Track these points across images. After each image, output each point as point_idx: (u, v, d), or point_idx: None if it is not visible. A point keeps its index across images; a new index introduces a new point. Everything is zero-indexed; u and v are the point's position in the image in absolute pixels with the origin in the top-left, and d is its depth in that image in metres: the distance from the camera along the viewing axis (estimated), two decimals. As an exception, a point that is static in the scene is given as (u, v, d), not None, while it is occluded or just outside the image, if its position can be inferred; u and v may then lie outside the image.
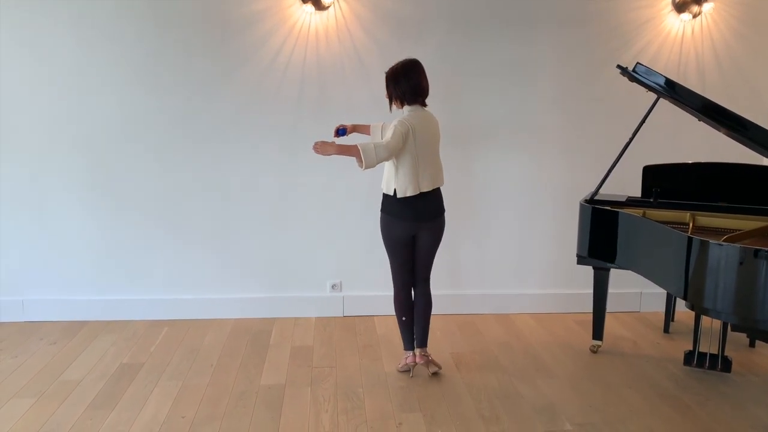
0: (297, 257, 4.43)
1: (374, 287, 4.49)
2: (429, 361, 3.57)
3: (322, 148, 3.21)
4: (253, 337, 4.13)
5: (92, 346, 3.94)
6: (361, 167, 3.20)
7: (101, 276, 4.34)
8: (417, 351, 3.57)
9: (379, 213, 3.46)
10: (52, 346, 3.95)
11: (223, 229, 4.36)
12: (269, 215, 4.37)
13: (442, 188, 3.46)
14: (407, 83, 3.28)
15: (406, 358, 3.59)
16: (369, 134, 3.66)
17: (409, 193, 3.29)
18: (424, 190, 3.32)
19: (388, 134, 3.25)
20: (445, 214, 3.49)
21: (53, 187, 4.22)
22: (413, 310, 3.57)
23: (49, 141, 4.17)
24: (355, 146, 3.16)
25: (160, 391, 3.37)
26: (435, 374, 3.58)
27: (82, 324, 4.29)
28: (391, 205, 3.38)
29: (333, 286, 4.48)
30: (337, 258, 4.46)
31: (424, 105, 3.38)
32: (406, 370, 3.60)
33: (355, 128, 3.67)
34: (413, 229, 3.41)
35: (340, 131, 3.59)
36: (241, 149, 4.27)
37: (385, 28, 4.20)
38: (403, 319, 3.56)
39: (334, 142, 3.24)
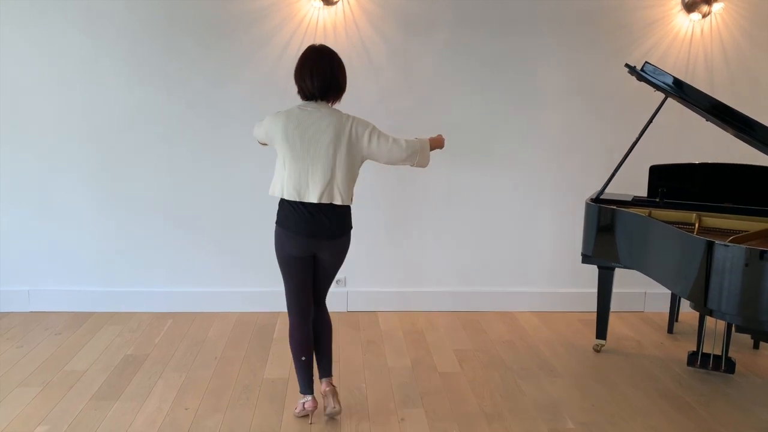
0: (302, 252, 4.44)
1: (378, 283, 4.51)
2: (334, 392, 3.03)
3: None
4: (258, 330, 4.14)
5: (97, 337, 3.96)
6: None
7: (107, 267, 4.37)
8: (323, 381, 3.04)
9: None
10: (57, 336, 3.97)
11: (228, 222, 4.37)
12: (275, 209, 4.37)
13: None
14: (299, 74, 2.83)
15: (304, 402, 3.00)
16: None
17: (277, 194, 2.83)
18: (289, 197, 2.79)
19: None
20: (351, 231, 2.96)
21: (60, 179, 4.24)
22: (313, 346, 3.02)
23: (56, 133, 4.18)
24: None
25: (164, 383, 3.39)
26: (332, 417, 3.04)
27: (88, 315, 4.32)
28: (280, 211, 2.89)
29: (337, 281, 4.44)
30: (341, 253, 4.46)
31: (327, 101, 2.84)
32: (305, 416, 3.04)
33: None
34: (309, 246, 2.86)
35: None
36: (247, 143, 4.27)
37: (393, 23, 4.20)
38: (303, 359, 2.96)
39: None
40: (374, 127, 2.88)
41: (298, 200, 2.79)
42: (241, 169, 4.31)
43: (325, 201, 2.79)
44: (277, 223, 2.90)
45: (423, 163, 2.96)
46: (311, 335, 3.02)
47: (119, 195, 4.29)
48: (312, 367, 3.02)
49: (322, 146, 2.77)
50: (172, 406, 3.15)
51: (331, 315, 4.43)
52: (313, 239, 2.84)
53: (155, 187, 4.29)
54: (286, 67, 4.20)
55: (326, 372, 3.07)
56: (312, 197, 2.78)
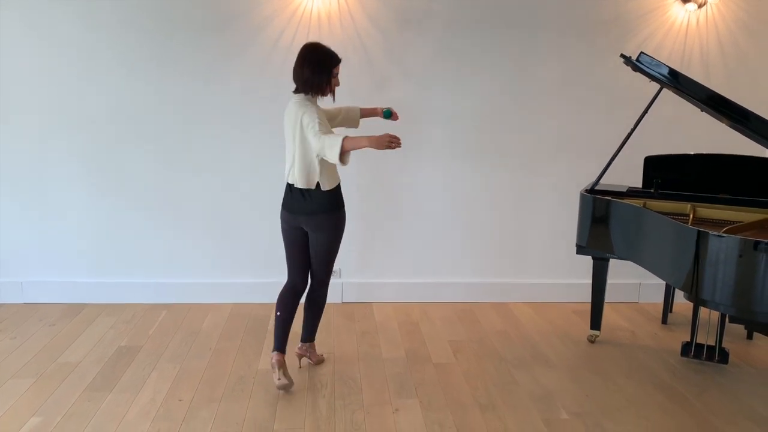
0: (296, 243, 4.42)
1: (373, 274, 4.50)
2: (300, 356, 3.47)
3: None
4: (252, 321, 4.14)
5: (91, 329, 3.95)
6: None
7: (101, 259, 4.35)
8: (299, 344, 3.47)
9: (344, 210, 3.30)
10: (51, 327, 3.95)
11: (223, 213, 4.36)
12: (270, 200, 4.35)
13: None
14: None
15: (272, 357, 3.21)
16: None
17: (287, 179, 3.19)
18: (288, 180, 3.17)
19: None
20: (338, 211, 3.21)
21: (54, 169, 4.22)
22: (291, 310, 3.29)
23: (51, 123, 4.15)
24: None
25: (158, 374, 3.38)
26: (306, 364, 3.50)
27: (81, 306, 4.30)
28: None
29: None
30: (336, 244, 4.45)
31: (302, 93, 3.12)
32: (275, 379, 3.19)
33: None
34: (294, 220, 3.21)
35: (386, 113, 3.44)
36: (242, 134, 4.26)
37: (388, 13, 4.18)
38: (278, 314, 3.26)
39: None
40: (315, 119, 3.00)
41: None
42: (235, 160, 4.29)
43: (289, 181, 3.17)
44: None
45: (330, 158, 2.95)
46: (292, 300, 3.31)
47: (113, 186, 4.27)
48: (286, 329, 3.26)
49: (288, 133, 3.15)
50: (166, 398, 3.15)
51: (325, 306, 4.44)
52: (293, 214, 3.20)
53: (149, 177, 4.27)
54: (280, 56, 4.17)
55: (304, 337, 3.50)
56: (287, 177, 3.19)
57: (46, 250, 4.31)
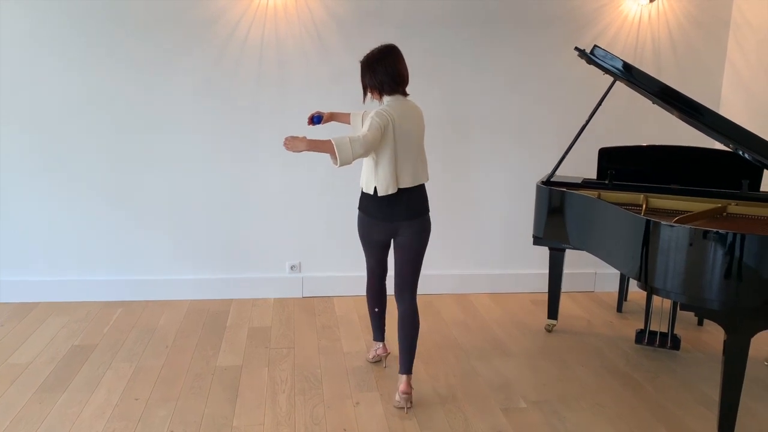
0: (256, 237, 4.37)
1: (333, 268, 4.48)
2: (407, 393, 3.05)
3: (291, 144, 2.81)
4: (210, 318, 4.08)
5: (42, 328, 3.84)
6: (336, 164, 2.80)
7: (53, 256, 4.22)
8: (400, 377, 3.09)
9: (357, 211, 3.20)
10: (-1, 328, 3.84)
11: (180, 209, 4.27)
12: (228, 194, 4.30)
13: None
14: (384, 71, 2.97)
15: (376, 349, 3.47)
16: (349, 123, 3.32)
17: (390, 191, 2.96)
18: (403, 186, 3.00)
19: (365, 127, 2.91)
20: (429, 213, 3.18)
21: (1, 164, 4.07)
22: (385, 300, 3.41)
23: (-6, 116, 4.01)
24: (329, 141, 2.77)
25: (113, 374, 3.31)
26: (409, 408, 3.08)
27: (33, 305, 4.17)
28: (368, 203, 3.08)
29: (292, 267, 4.45)
30: (296, 238, 4.43)
31: (405, 94, 3.04)
32: (377, 361, 3.48)
33: (333, 116, 3.33)
34: (392, 230, 3.09)
35: (316, 119, 3.25)
36: (197, 127, 4.18)
37: (346, 5, 4.14)
38: (376, 310, 3.41)
39: (304, 137, 2.82)
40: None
41: (413, 186, 3.11)
42: (192, 154, 4.21)
43: (426, 181, 3.21)
44: (363, 211, 3.18)
45: None
46: (382, 290, 3.41)
47: (65, 181, 4.14)
48: (383, 319, 3.44)
49: (419, 133, 3.11)
50: (121, 397, 3.08)
51: (285, 301, 4.42)
52: (395, 222, 3.11)
53: (103, 172, 4.16)
54: (236, 48, 4.10)
55: (402, 368, 3.10)
56: (423, 179, 3.17)
57: (-6, 248, 4.17)
